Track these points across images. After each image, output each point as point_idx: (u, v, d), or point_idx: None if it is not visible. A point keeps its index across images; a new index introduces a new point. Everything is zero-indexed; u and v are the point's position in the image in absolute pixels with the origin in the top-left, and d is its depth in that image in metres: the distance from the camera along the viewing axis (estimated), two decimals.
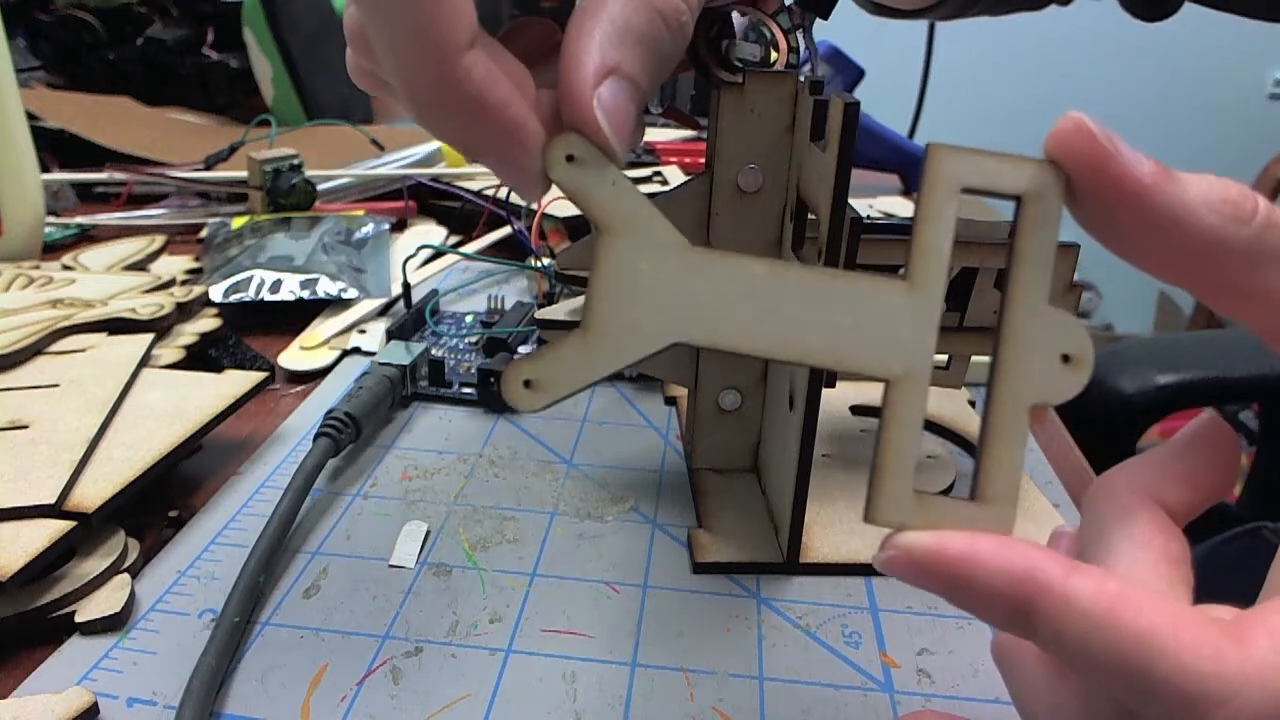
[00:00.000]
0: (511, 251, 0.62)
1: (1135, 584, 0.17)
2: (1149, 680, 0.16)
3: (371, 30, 0.19)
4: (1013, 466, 0.18)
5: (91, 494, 0.30)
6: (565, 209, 0.58)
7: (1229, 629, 0.16)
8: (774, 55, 0.31)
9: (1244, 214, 0.17)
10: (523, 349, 0.48)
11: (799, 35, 0.30)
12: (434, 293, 0.53)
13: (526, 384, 0.18)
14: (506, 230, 0.63)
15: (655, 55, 0.21)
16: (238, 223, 0.60)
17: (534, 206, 0.59)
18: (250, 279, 0.51)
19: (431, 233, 0.66)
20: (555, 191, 0.21)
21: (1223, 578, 0.19)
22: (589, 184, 0.19)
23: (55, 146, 0.74)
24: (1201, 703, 0.15)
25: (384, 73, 0.21)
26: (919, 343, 0.18)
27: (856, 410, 0.42)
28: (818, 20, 0.36)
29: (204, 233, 0.60)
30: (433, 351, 0.45)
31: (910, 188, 0.82)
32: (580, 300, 0.38)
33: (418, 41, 0.18)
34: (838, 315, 0.18)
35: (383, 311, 0.52)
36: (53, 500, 0.29)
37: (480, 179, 0.69)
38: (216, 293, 0.50)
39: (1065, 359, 0.18)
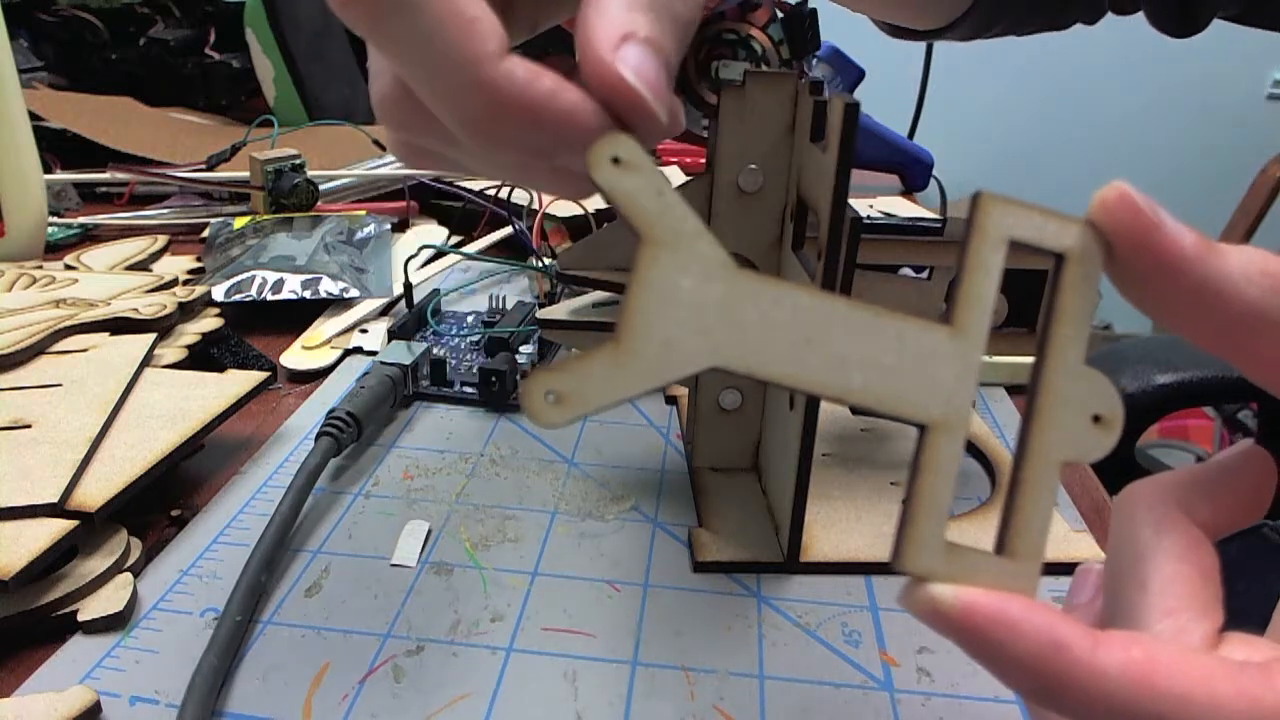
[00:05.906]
0: (513, 251, 0.62)
1: (1159, 644, 0.17)
2: None
3: (405, 70, 0.19)
4: (1041, 522, 0.17)
5: (94, 493, 0.30)
6: (567, 209, 0.58)
7: (1258, 676, 0.16)
8: (764, 70, 0.31)
9: None
10: (524, 349, 0.48)
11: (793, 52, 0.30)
12: (435, 292, 0.53)
13: (549, 396, 0.16)
14: (508, 230, 0.63)
15: (670, 18, 0.20)
16: (240, 223, 0.60)
17: (535, 206, 0.59)
18: (252, 279, 0.51)
19: (433, 232, 0.66)
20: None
21: (1223, 577, 0.19)
22: (634, 190, 0.18)
23: (58, 147, 0.74)
24: None
25: (429, 139, 0.21)
26: (960, 388, 0.17)
27: (857, 410, 0.42)
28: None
29: (206, 233, 0.61)
30: (434, 351, 0.45)
31: (910, 188, 0.82)
32: (581, 300, 0.38)
33: (451, 59, 0.18)
34: (882, 354, 0.17)
35: (384, 311, 0.53)
36: (55, 499, 0.29)
37: (481, 179, 0.69)
38: (218, 292, 0.50)
39: (1096, 419, 0.17)
